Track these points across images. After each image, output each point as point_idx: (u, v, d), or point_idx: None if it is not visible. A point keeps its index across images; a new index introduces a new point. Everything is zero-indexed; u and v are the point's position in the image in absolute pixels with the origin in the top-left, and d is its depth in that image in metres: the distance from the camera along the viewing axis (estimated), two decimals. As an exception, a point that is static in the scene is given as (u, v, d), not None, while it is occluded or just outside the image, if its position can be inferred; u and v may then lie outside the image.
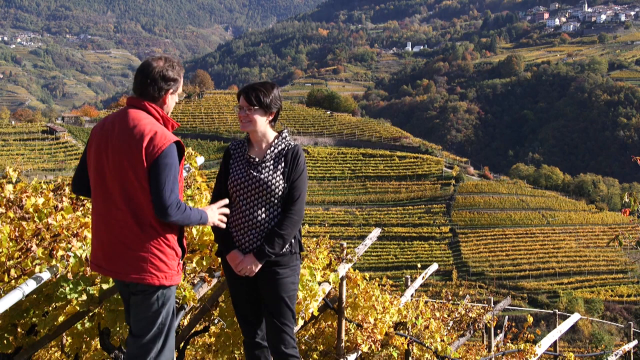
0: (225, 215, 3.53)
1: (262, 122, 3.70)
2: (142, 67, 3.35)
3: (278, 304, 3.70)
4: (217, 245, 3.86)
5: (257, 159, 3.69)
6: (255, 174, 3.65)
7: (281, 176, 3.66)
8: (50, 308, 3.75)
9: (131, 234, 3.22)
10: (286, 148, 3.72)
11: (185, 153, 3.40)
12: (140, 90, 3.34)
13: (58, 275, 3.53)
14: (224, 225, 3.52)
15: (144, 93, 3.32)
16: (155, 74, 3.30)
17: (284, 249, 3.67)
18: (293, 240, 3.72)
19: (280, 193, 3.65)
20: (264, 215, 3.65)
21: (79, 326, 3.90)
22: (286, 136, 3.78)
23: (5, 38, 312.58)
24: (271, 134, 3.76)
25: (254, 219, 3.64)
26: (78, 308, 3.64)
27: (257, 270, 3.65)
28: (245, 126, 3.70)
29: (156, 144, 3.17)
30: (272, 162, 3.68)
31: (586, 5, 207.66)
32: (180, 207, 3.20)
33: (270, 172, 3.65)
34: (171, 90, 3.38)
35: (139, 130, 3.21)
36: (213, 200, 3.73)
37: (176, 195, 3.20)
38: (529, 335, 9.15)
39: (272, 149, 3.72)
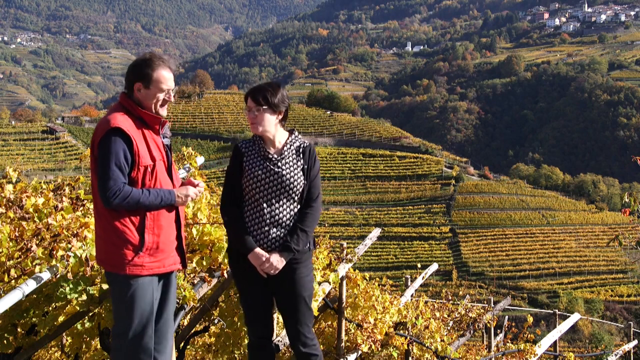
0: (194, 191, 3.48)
1: (272, 122, 3.66)
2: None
3: (298, 302, 3.66)
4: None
5: (275, 155, 3.65)
6: (275, 169, 3.61)
7: (301, 172, 3.64)
8: (50, 308, 3.75)
9: (97, 223, 3.35)
10: (302, 146, 3.72)
11: (134, 140, 3.27)
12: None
13: (58, 275, 3.53)
14: (194, 197, 3.46)
15: (126, 87, 3.42)
16: (129, 68, 3.40)
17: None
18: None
19: (300, 189, 3.63)
20: (285, 212, 3.61)
21: (79, 326, 3.89)
22: (298, 134, 3.78)
23: (5, 38, 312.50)
24: (283, 133, 3.74)
25: (276, 216, 3.59)
26: (78, 308, 3.64)
27: (281, 268, 3.58)
28: (256, 128, 3.64)
29: (97, 134, 3.27)
30: (291, 158, 3.66)
31: (586, 5, 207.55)
32: (120, 194, 3.18)
33: (291, 168, 3.63)
34: (141, 85, 3.35)
35: (98, 123, 3.34)
36: (227, 202, 3.65)
37: (115, 182, 3.18)
38: (529, 335, 9.16)
39: (289, 145, 3.69)
